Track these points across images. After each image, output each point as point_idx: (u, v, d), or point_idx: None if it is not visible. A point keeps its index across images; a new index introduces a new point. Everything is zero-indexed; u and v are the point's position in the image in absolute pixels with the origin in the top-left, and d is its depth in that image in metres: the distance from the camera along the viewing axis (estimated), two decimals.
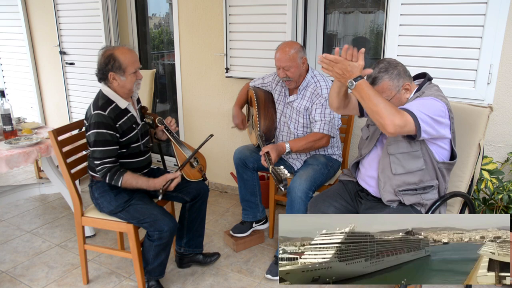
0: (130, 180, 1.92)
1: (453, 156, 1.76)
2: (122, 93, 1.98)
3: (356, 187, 2.00)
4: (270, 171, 1.91)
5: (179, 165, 2.13)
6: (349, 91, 1.66)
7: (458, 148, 1.89)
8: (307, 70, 2.33)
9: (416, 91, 1.78)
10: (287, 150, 2.18)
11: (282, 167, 1.88)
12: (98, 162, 1.91)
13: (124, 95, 2.00)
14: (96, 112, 1.89)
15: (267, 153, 2.06)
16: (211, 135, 2.13)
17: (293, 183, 2.19)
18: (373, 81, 1.73)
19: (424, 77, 1.82)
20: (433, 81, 1.83)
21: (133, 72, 1.94)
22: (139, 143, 2.06)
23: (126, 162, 2.04)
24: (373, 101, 1.54)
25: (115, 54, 1.90)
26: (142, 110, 2.21)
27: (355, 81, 1.56)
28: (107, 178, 1.92)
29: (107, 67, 1.91)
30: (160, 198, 1.94)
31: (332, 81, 1.83)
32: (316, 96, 2.26)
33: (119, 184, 1.92)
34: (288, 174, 1.84)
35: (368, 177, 1.90)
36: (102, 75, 1.95)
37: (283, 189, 1.78)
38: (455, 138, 1.76)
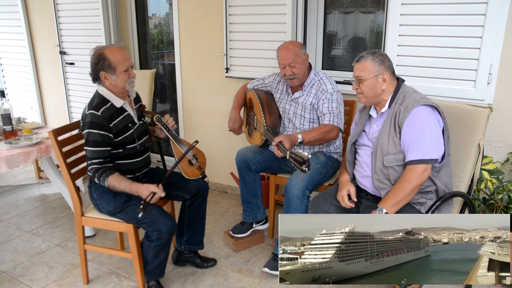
0: (114, 182, 1.89)
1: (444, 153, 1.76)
2: (116, 92, 1.98)
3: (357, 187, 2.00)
4: (288, 157, 1.86)
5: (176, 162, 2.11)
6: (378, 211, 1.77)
7: (457, 148, 1.89)
8: (310, 68, 2.36)
9: (394, 94, 1.80)
10: (299, 140, 2.15)
11: (298, 149, 1.82)
12: (88, 162, 1.93)
13: (120, 94, 1.99)
14: (89, 111, 1.90)
15: (280, 142, 2.03)
16: (196, 141, 2.06)
17: (290, 182, 2.19)
18: (358, 59, 1.82)
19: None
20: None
21: (124, 71, 1.93)
22: (135, 144, 2.06)
23: (123, 163, 2.03)
24: (402, 195, 1.69)
25: (104, 54, 1.91)
26: (140, 108, 2.20)
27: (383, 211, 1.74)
28: (95, 179, 1.92)
29: (98, 66, 1.92)
30: (140, 215, 1.80)
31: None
32: (322, 92, 2.29)
33: (106, 185, 1.91)
34: (309, 155, 1.78)
35: (363, 178, 1.93)
36: (95, 75, 1.96)
37: (306, 169, 1.75)
38: (448, 133, 1.78)
